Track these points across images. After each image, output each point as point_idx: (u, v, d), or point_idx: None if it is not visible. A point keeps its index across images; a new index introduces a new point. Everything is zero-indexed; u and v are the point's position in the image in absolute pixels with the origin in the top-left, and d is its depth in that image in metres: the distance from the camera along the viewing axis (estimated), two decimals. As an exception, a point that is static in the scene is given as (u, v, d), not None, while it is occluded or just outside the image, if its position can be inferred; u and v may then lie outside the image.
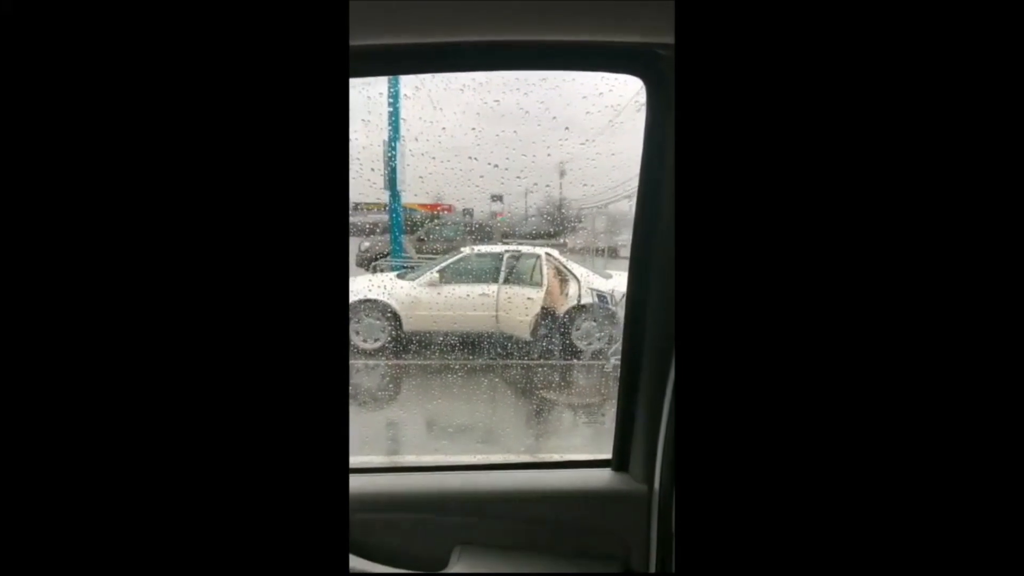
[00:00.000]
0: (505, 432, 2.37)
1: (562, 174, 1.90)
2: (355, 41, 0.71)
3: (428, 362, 2.55)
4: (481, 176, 1.22)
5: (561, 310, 2.61)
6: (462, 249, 2.85)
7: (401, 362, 2.64)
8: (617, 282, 2.57)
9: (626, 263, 0.97)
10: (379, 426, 2.40)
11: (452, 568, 0.97)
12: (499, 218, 2.72)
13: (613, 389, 1.08)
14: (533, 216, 2.62)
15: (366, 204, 2.63)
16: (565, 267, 2.67)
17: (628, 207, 1.29)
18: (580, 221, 2.64)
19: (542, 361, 2.55)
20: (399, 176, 2.22)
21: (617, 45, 0.79)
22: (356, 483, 0.99)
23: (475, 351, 2.50)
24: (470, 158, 1.19)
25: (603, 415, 2.31)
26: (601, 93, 1.03)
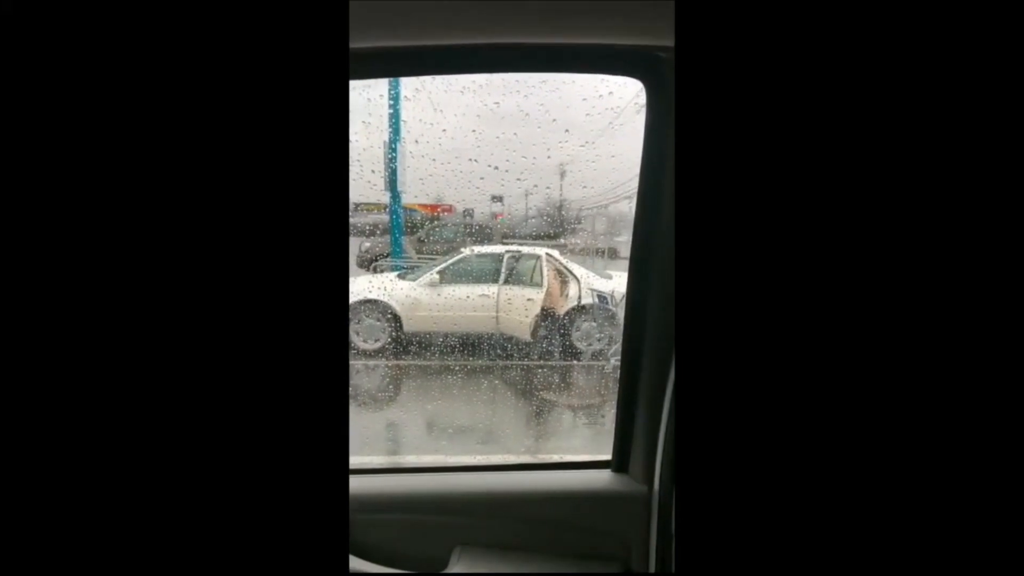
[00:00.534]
0: (505, 433, 2.37)
1: (562, 175, 1.90)
2: (355, 44, 0.71)
3: (428, 363, 2.55)
4: (481, 178, 1.22)
5: (561, 311, 2.62)
6: (462, 250, 2.85)
7: (401, 363, 2.64)
8: (617, 283, 2.58)
9: (626, 264, 0.97)
10: (379, 427, 2.40)
11: (452, 568, 0.97)
12: (499, 219, 2.73)
13: (613, 390, 1.08)
14: (533, 217, 2.62)
15: (366, 205, 2.63)
16: (565, 268, 2.68)
17: (628, 208, 1.29)
18: (580, 222, 2.65)
19: (542, 362, 2.56)
20: (399, 177, 2.22)
21: (617, 47, 0.79)
22: (356, 484, 0.99)
23: (475, 352, 2.50)
24: (470, 160, 1.19)
25: (603, 416, 2.32)
26: (601, 95, 1.04)
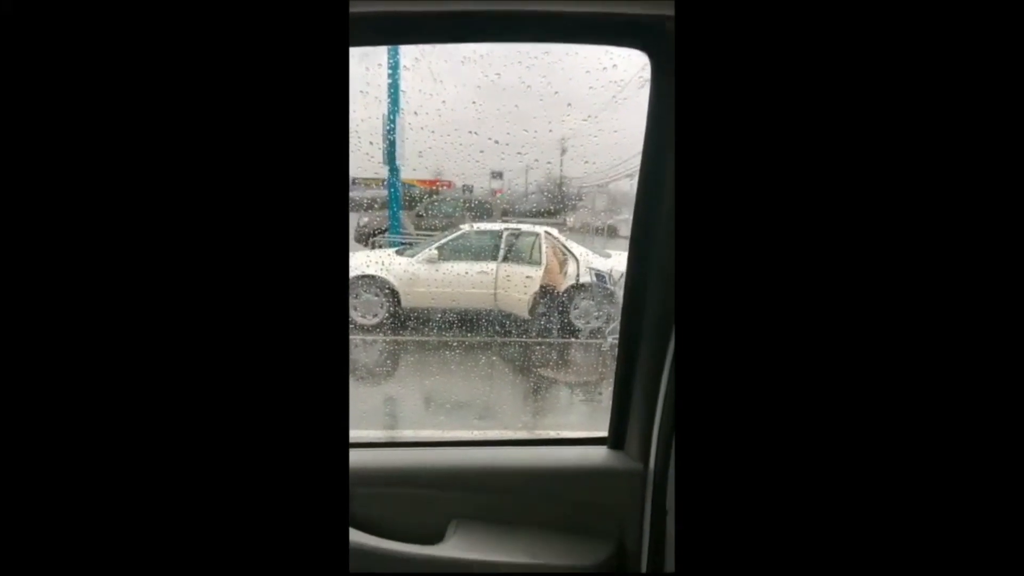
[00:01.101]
0: (502, 409, 2.39)
1: (563, 151, 1.88)
2: (355, 8, 0.69)
3: (426, 339, 2.56)
4: (481, 151, 1.20)
5: (560, 289, 2.61)
6: (461, 226, 2.83)
7: (399, 338, 2.65)
8: (616, 261, 2.57)
9: (625, 243, 0.96)
10: (377, 401, 2.42)
11: (448, 542, 0.99)
12: (498, 195, 2.70)
13: (610, 368, 1.08)
14: (533, 194, 2.60)
15: (364, 179, 2.60)
16: (564, 246, 2.66)
17: (629, 186, 1.27)
18: (580, 199, 2.62)
19: (540, 339, 2.56)
20: (398, 150, 2.19)
21: (622, 17, 0.77)
22: (354, 457, 1.00)
23: (473, 329, 2.50)
24: (470, 132, 1.17)
25: (600, 393, 2.33)
26: (605, 68, 1.01)
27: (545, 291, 2.58)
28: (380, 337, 2.68)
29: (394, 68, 1.72)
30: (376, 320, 2.63)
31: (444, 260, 2.71)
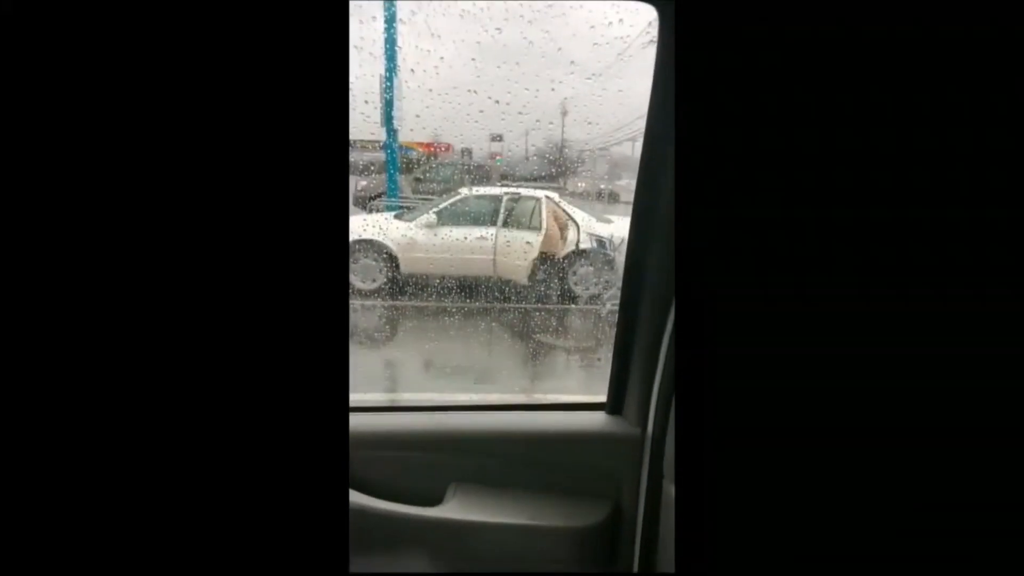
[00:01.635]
0: (501, 374, 2.41)
1: (564, 113, 1.83)
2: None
3: (425, 304, 2.56)
4: (481, 111, 1.16)
5: (560, 255, 2.60)
6: (460, 190, 2.79)
7: (398, 303, 2.64)
8: (617, 227, 2.54)
9: (626, 208, 0.94)
10: (376, 365, 2.44)
11: (447, 504, 1.01)
12: (498, 159, 2.65)
13: (609, 334, 1.08)
14: (534, 156, 2.55)
15: (361, 141, 2.54)
16: (565, 212, 2.63)
17: (631, 150, 1.23)
18: (581, 163, 2.58)
19: (539, 305, 2.56)
20: (396, 112, 2.13)
21: None
22: (354, 421, 1.00)
23: (472, 294, 2.50)
24: (469, 91, 1.12)
25: (598, 359, 2.35)
26: (610, 23, 0.96)
27: (545, 257, 2.56)
28: (378, 302, 2.67)
29: (390, 23, 1.65)
30: (375, 285, 2.62)
31: (443, 225, 2.68)
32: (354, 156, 2.46)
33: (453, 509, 1.00)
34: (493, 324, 2.51)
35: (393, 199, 2.81)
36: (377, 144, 2.49)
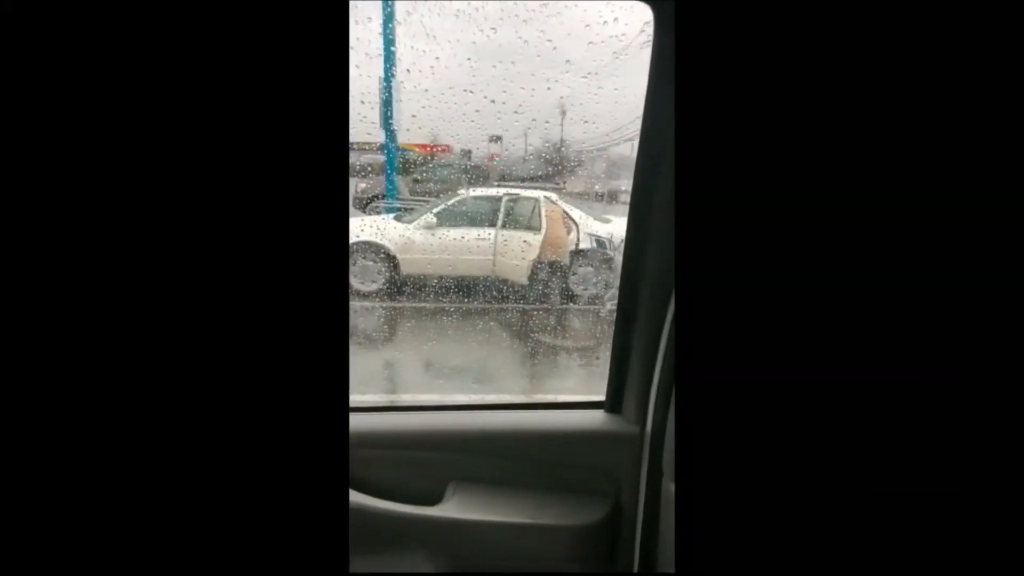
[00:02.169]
0: (501, 374, 2.40)
1: (563, 113, 1.83)
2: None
3: (424, 304, 2.56)
4: (477, 110, 1.15)
5: (560, 255, 2.60)
6: (459, 192, 2.79)
7: (397, 304, 2.64)
8: (616, 227, 2.54)
9: (624, 208, 0.94)
10: (375, 366, 2.44)
11: (447, 503, 1.01)
12: (496, 159, 2.65)
13: (608, 333, 1.08)
14: (532, 156, 2.55)
15: (359, 143, 2.54)
16: (564, 211, 2.63)
17: (630, 150, 1.23)
18: (580, 164, 2.58)
19: (538, 305, 2.56)
20: (394, 113, 2.13)
21: None
22: (354, 421, 1.00)
23: (472, 295, 2.50)
24: (465, 91, 1.12)
25: (598, 358, 2.35)
26: (605, 22, 0.96)
27: (544, 257, 2.56)
28: (378, 303, 2.68)
29: (387, 23, 1.64)
30: (375, 286, 2.62)
31: (442, 226, 2.68)
32: (352, 158, 2.46)
33: (452, 508, 1.00)
34: (492, 324, 2.51)
35: (392, 201, 2.81)
36: (375, 146, 2.49)
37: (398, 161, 2.63)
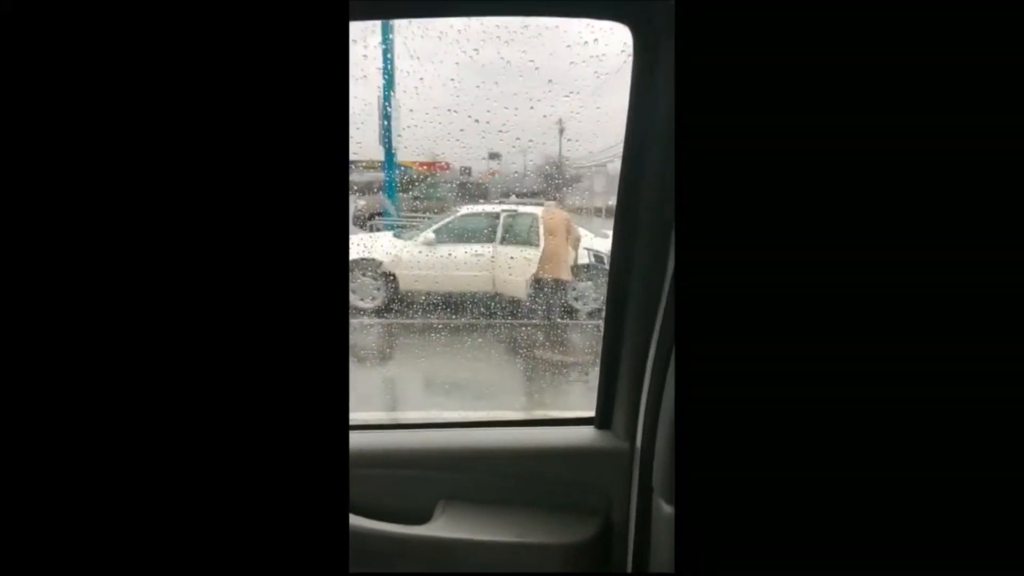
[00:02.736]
0: (503, 390, 2.39)
1: (561, 131, 1.85)
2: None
3: (425, 321, 2.56)
4: (461, 129, 1.17)
5: (561, 272, 2.59)
6: (458, 209, 2.81)
7: (397, 321, 2.65)
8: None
9: None
10: (375, 383, 2.44)
11: (436, 521, 1.00)
12: (494, 176, 2.67)
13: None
14: (531, 174, 2.56)
15: (359, 162, 2.58)
16: (564, 221, 2.63)
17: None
18: (578, 180, 2.59)
19: (539, 321, 2.56)
20: (393, 132, 2.16)
21: None
22: None
23: (472, 311, 2.50)
24: (449, 110, 1.14)
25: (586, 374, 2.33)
26: (586, 42, 0.98)
27: (543, 273, 2.56)
28: (378, 320, 2.68)
29: (386, 41, 1.67)
30: (374, 303, 2.63)
31: (442, 243, 2.70)
32: (353, 176, 2.49)
33: (442, 527, 0.99)
34: (492, 340, 2.51)
35: (391, 218, 2.84)
36: (376, 164, 2.52)
37: (397, 179, 2.66)
